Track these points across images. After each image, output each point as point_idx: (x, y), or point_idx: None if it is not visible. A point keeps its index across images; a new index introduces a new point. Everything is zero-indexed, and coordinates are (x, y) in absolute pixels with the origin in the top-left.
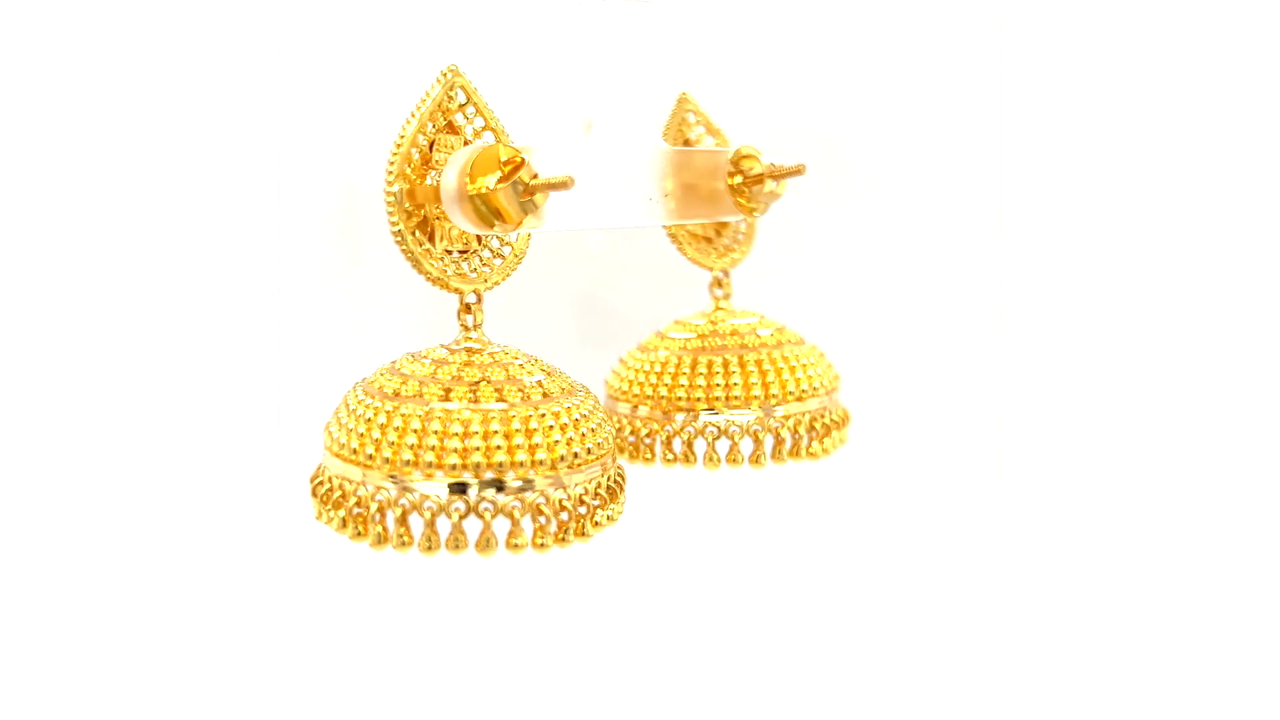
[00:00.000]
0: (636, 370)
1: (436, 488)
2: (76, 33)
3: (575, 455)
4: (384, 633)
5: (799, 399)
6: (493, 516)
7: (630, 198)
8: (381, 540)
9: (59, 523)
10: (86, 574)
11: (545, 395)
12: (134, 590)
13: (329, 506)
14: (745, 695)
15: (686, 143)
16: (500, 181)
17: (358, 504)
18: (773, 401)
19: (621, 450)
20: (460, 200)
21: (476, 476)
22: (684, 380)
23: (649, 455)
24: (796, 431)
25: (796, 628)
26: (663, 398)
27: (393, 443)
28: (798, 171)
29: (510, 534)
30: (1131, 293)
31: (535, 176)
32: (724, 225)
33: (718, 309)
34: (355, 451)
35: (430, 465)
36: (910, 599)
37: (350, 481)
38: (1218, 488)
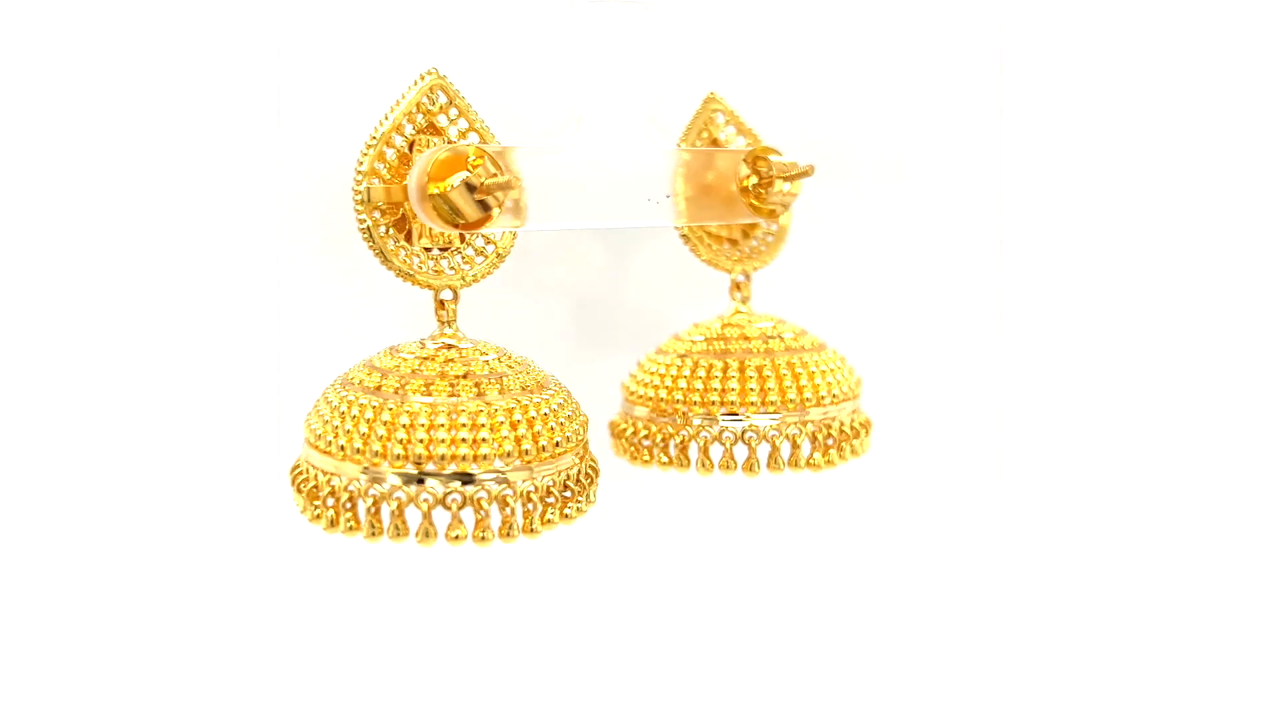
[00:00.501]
0: (647, 373)
1: (377, 476)
2: (77, 34)
3: (525, 452)
4: (334, 618)
5: (799, 407)
6: (430, 508)
7: (624, 198)
8: (333, 524)
9: (57, 519)
10: (85, 566)
11: (502, 391)
12: (130, 583)
13: (294, 486)
14: (712, 703)
15: (715, 143)
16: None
17: (315, 486)
18: (769, 409)
19: (624, 452)
20: (422, 200)
21: (417, 468)
22: (682, 384)
23: (646, 458)
24: (795, 441)
25: (773, 635)
26: (661, 400)
27: (347, 431)
28: (807, 173)
29: (449, 526)
30: (1139, 302)
31: (493, 176)
32: (753, 227)
33: (736, 312)
34: (319, 437)
35: (376, 455)
36: (904, 606)
37: (312, 466)
38: (1218, 488)
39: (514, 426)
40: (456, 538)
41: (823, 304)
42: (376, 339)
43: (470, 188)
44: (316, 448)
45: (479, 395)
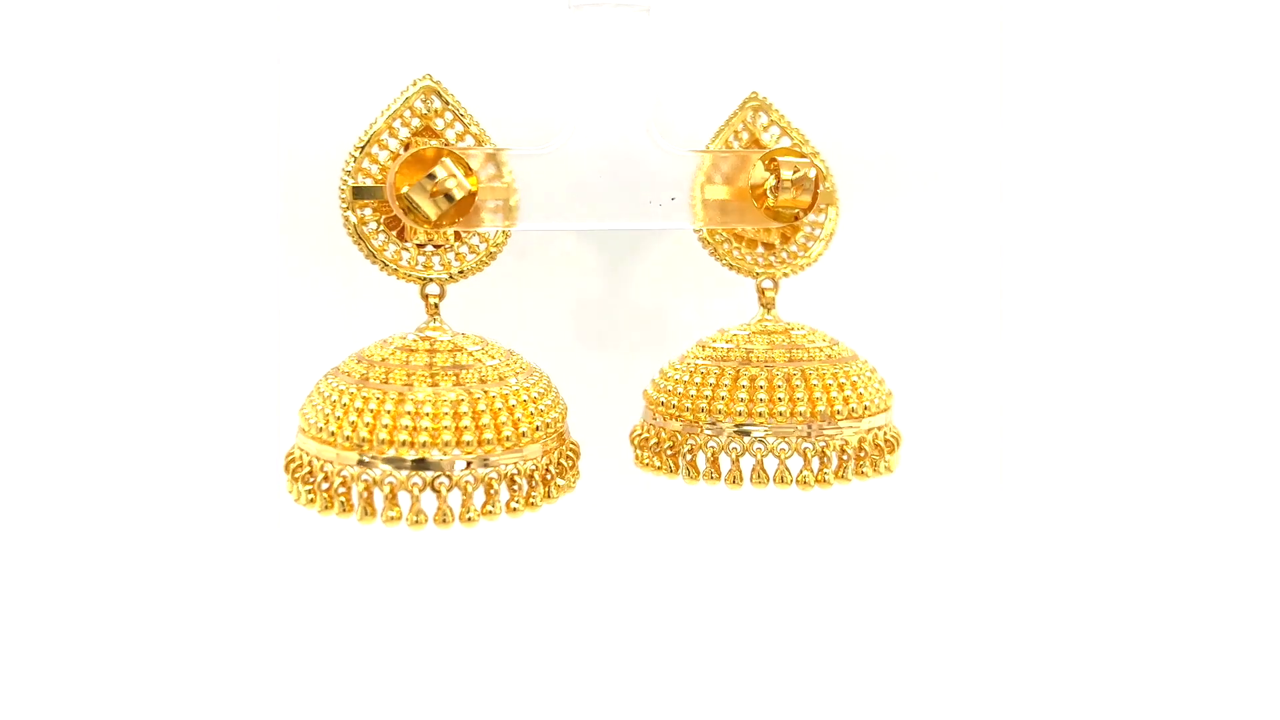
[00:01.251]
0: (665, 378)
1: (332, 456)
2: (80, 35)
3: (466, 443)
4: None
5: (787, 420)
6: (367, 488)
7: (619, 200)
8: (299, 497)
9: (59, 517)
10: (87, 561)
11: (458, 382)
12: (131, 578)
13: (284, 463)
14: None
15: (756, 144)
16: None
17: (291, 460)
18: (757, 420)
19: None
20: (393, 199)
21: (359, 452)
22: (680, 390)
23: (645, 461)
24: (781, 456)
25: (763, 640)
26: (661, 405)
27: (317, 413)
28: (809, 175)
29: (385, 506)
30: (1143, 305)
31: (451, 175)
32: (793, 230)
33: (762, 320)
34: (303, 417)
35: (333, 435)
36: (900, 613)
37: (302, 451)
38: (1218, 488)
39: (457, 418)
40: (391, 518)
41: (848, 311)
42: (380, 331)
43: (426, 185)
44: (303, 430)
45: (432, 386)
